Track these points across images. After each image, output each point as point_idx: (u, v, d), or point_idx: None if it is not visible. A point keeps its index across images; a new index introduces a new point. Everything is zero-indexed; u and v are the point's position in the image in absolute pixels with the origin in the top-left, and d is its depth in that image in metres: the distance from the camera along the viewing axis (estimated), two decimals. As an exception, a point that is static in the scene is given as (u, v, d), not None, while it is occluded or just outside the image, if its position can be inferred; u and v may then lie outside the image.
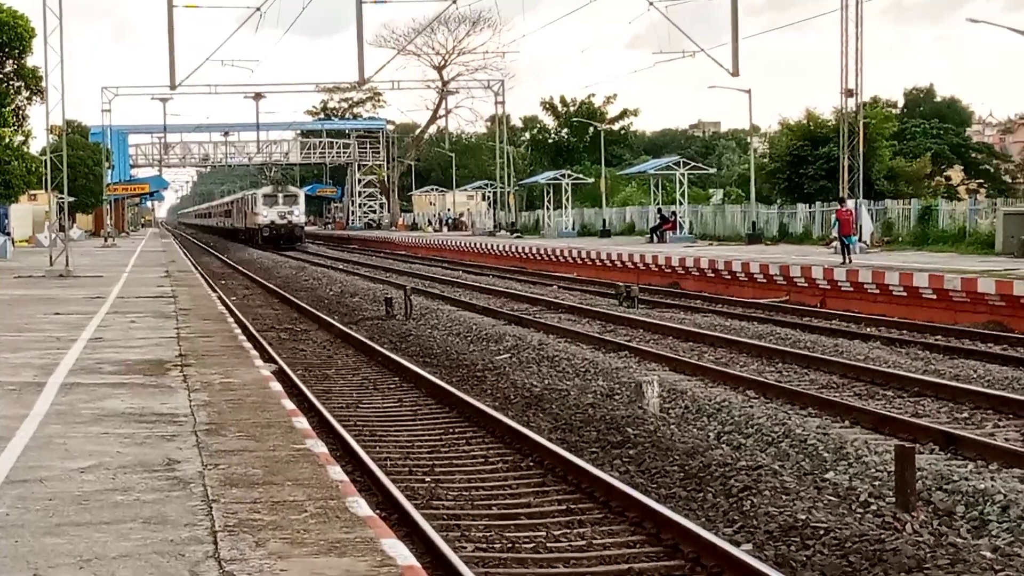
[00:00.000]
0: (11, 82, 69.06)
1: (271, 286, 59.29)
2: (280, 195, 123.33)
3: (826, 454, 17.91)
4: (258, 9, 64.00)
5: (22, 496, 11.44)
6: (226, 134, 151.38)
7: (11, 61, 68.33)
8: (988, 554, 13.19)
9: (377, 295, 49.10)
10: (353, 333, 35.90)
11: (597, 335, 34.04)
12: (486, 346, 32.32)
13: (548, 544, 14.16)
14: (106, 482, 12.02)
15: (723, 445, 19.02)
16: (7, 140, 69.10)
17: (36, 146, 77.50)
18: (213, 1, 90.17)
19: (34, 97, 69.63)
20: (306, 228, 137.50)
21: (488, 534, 14.57)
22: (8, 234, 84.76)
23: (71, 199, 77.86)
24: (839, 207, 57.48)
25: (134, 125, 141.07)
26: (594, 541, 14.20)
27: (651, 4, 63.74)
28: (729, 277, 53.21)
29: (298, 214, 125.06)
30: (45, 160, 68.21)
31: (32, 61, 67.58)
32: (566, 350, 30.49)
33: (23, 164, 68.60)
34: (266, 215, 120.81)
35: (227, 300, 43.85)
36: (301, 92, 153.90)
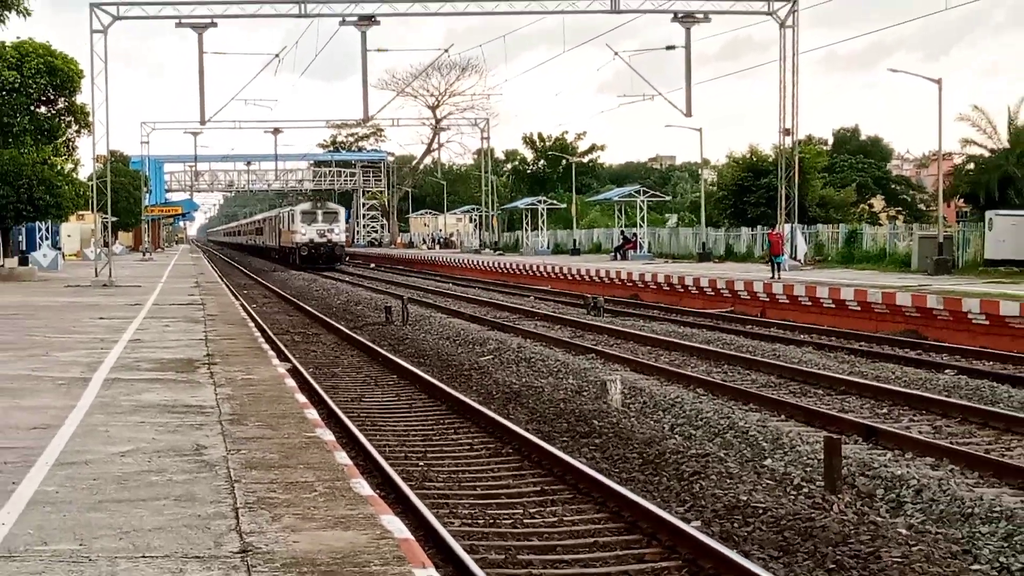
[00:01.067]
0: (63, 117, 68.95)
1: (287, 296, 59.22)
2: (319, 211, 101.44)
3: (765, 444, 17.95)
4: (277, 56, 64.27)
5: (70, 476, 11.42)
6: (248, 164, 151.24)
7: (63, 99, 68.17)
8: (903, 531, 13.24)
9: (378, 304, 49.07)
10: (357, 337, 35.86)
11: (568, 340, 34.06)
12: (472, 348, 32.32)
13: (524, 520, 14.20)
14: (143, 464, 12.01)
15: (676, 435, 19.04)
16: (59, 167, 68.95)
17: (84, 172, 77.46)
18: (238, 48, 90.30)
19: (82, 130, 69.56)
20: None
21: (472, 511, 14.61)
22: (59, 249, 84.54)
23: (114, 219, 77.65)
24: (771, 230, 58.19)
25: (169, 155, 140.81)
26: (564, 518, 14.25)
27: (616, 54, 64.18)
28: (682, 290, 53.24)
29: (338, 232, 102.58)
30: (92, 185, 68.25)
31: (80, 99, 67.63)
32: (541, 353, 30.52)
33: (72, 188, 68.39)
34: (304, 233, 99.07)
35: (248, 308, 43.80)
36: (314, 128, 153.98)
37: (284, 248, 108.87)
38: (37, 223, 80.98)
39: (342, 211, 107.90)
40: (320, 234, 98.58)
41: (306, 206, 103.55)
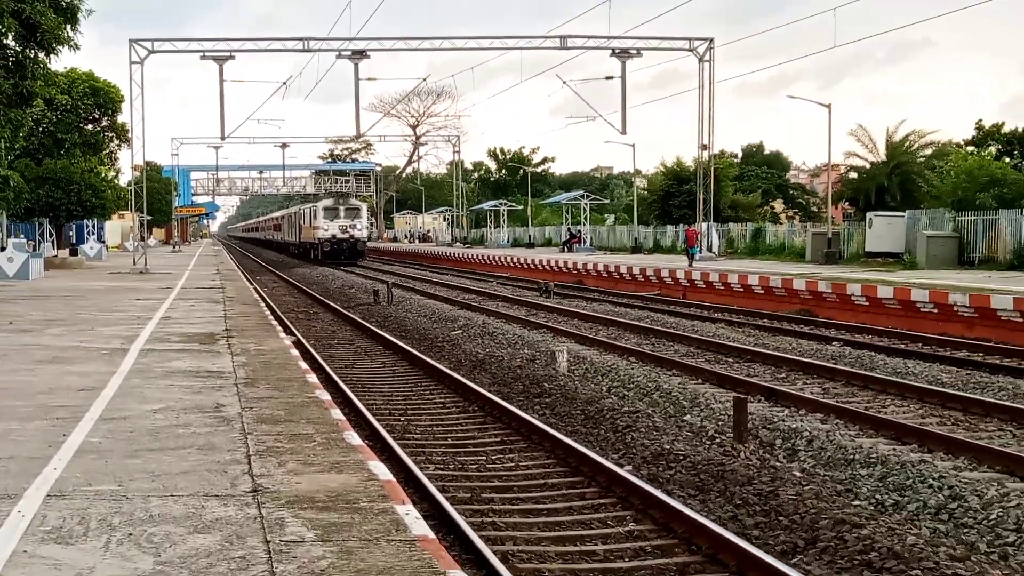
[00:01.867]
0: (106, 133, 69.19)
1: (292, 281, 59.02)
2: (342, 208, 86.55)
3: (685, 402, 17.98)
4: (284, 83, 64.22)
5: (111, 429, 11.38)
6: (260, 172, 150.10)
7: (106, 118, 68.37)
8: (798, 473, 13.34)
9: (367, 288, 48.96)
10: (350, 315, 35.75)
11: (523, 317, 34.01)
12: (445, 324, 32.26)
13: (487, 465, 14.23)
14: (171, 420, 11.97)
15: (612, 396, 19.08)
16: (103, 175, 68.78)
17: (123, 179, 77.18)
18: (252, 76, 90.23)
19: (122, 144, 70.00)
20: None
21: (444, 458, 14.63)
22: (103, 242, 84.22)
23: (148, 217, 77.28)
24: (688, 227, 59.09)
25: (194, 165, 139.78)
26: (520, 463, 14.28)
27: (564, 83, 64.31)
28: (618, 277, 53.28)
29: (360, 228, 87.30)
30: (130, 189, 68.06)
31: (121, 118, 67.73)
32: (501, 328, 30.49)
33: (114, 192, 68.35)
34: (327, 229, 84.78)
35: (260, 291, 43.62)
36: (315, 143, 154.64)
37: (305, 243, 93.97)
38: (85, 221, 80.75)
39: (364, 207, 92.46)
40: (343, 230, 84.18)
41: (328, 202, 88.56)
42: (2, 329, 23.03)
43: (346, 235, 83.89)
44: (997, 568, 9.76)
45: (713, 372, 21.30)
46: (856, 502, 12.07)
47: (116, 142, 71.01)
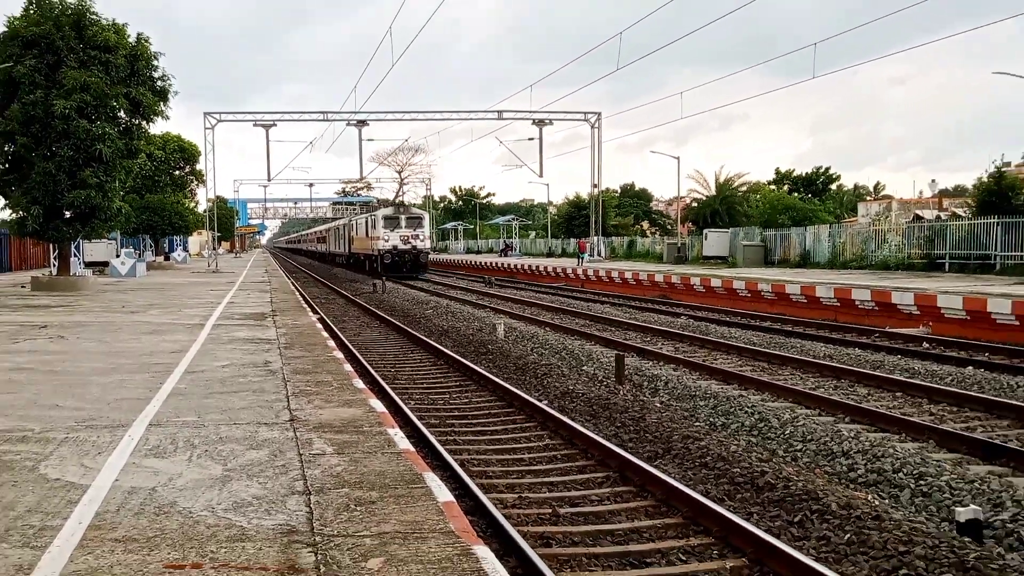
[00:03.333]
0: (188, 176, 68.91)
1: (317, 277, 58.55)
2: (403, 216, 56.13)
3: (583, 357, 18.05)
4: (311, 143, 64.85)
5: (192, 379, 11.29)
6: (294, 203, 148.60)
7: (188, 166, 68.01)
8: (658, 404, 13.41)
9: (368, 282, 48.70)
10: (357, 300, 35.55)
11: (474, 301, 33.99)
12: (421, 306, 32.13)
13: (449, 401, 14.21)
14: (234, 372, 11.89)
15: (534, 354, 19.10)
16: (186, 205, 68.28)
17: (200, 207, 76.55)
18: (289, 137, 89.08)
19: (199, 184, 69.65)
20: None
21: (420, 396, 14.59)
22: (187, 251, 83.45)
23: (218, 234, 76.51)
24: (579, 240, 59.71)
25: (249, 197, 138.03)
26: (473, 399, 14.27)
27: (500, 142, 63.74)
28: (537, 273, 53.38)
29: (423, 238, 56.33)
30: (206, 215, 67.47)
31: (198, 166, 67.44)
32: (460, 308, 30.41)
33: (194, 217, 67.66)
34: (387, 239, 55.02)
35: (295, 284, 43.31)
36: (331, 183, 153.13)
37: (358, 255, 63.11)
38: (174, 236, 79.80)
39: (426, 216, 59.46)
40: (404, 240, 54.29)
41: (388, 211, 56.83)
42: (118, 311, 22.77)
43: (408, 246, 54.43)
44: (790, 467, 9.90)
45: (601, 337, 21.41)
46: (696, 423, 12.19)
47: (195, 182, 70.80)
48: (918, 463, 9.81)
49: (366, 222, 59.76)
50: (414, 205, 52.41)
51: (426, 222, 53.60)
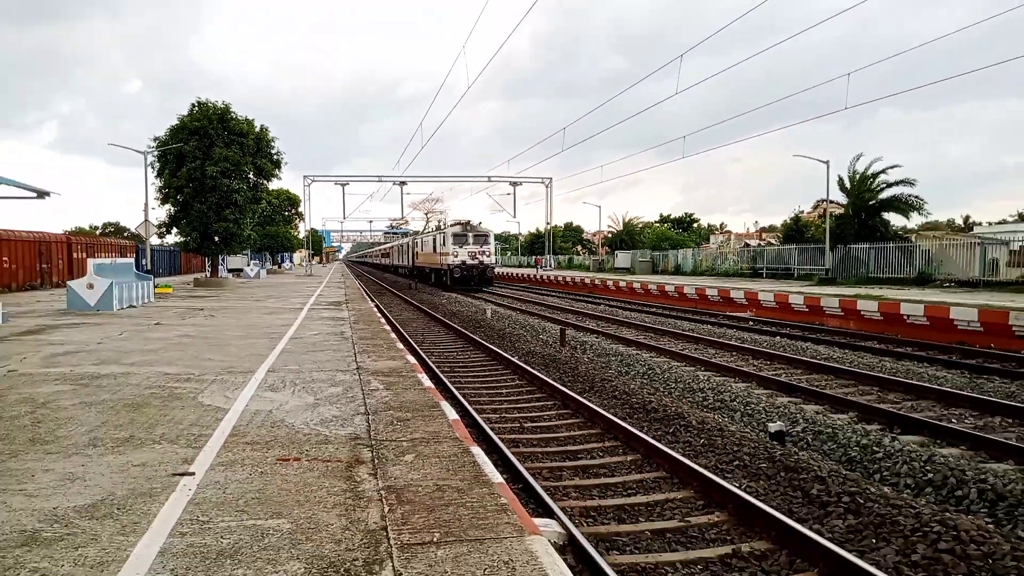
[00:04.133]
0: (293, 216, 67.97)
1: (373, 279, 58.07)
2: (471, 234, 37.24)
3: (540, 330, 17.89)
4: (370, 195, 64.18)
5: (296, 342, 11.17)
6: (360, 233, 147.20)
7: (293, 209, 67.01)
8: (586, 359, 13.31)
9: (406, 284, 48.31)
10: (400, 295, 35.17)
11: (469, 297, 33.82)
12: (440, 300, 31.88)
13: (456, 356, 13.99)
14: (322, 339, 11.78)
15: (509, 329, 18.95)
16: (293, 234, 67.45)
17: (301, 234, 75.62)
18: (358, 191, 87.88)
19: (301, 219, 68.69)
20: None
21: (440, 354, 14.40)
22: (292, 262, 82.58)
23: (312, 252, 75.80)
24: (537, 256, 59.31)
25: (331, 229, 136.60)
26: (471, 356, 14.07)
27: (490, 196, 63.61)
28: (510, 277, 53.14)
29: (489, 254, 37.33)
30: (304, 240, 66.69)
31: (300, 209, 66.47)
32: (460, 299, 30.26)
33: (297, 242, 66.96)
34: (456, 255, 36.87)
35: (359, 283, 42.93)
36: (382, 220, 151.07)
37: (422, 268, 46.51)
38: (285, 253, 79.08)
39: (492, 234, 39.35)
40: (472, 256, 37.54)
41: (456, 229, 38.46)
42: (248, 300, 22.50)
43: (475, 261, 37.75)
44: (667, 399, 9.94)
45: (551, 317, 21.25)
46: (608, 371, 12.19)
47: (298, 219, 69.87)
48: (745, 396, 9.89)
49: (434, 240, 43.03)
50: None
51: (491, 240, 38.55)
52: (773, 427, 8.05)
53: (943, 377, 11.17)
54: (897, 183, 31.23)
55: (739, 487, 6.28)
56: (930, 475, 6.60)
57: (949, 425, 8.10)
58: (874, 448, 7.40)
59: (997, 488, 6.13)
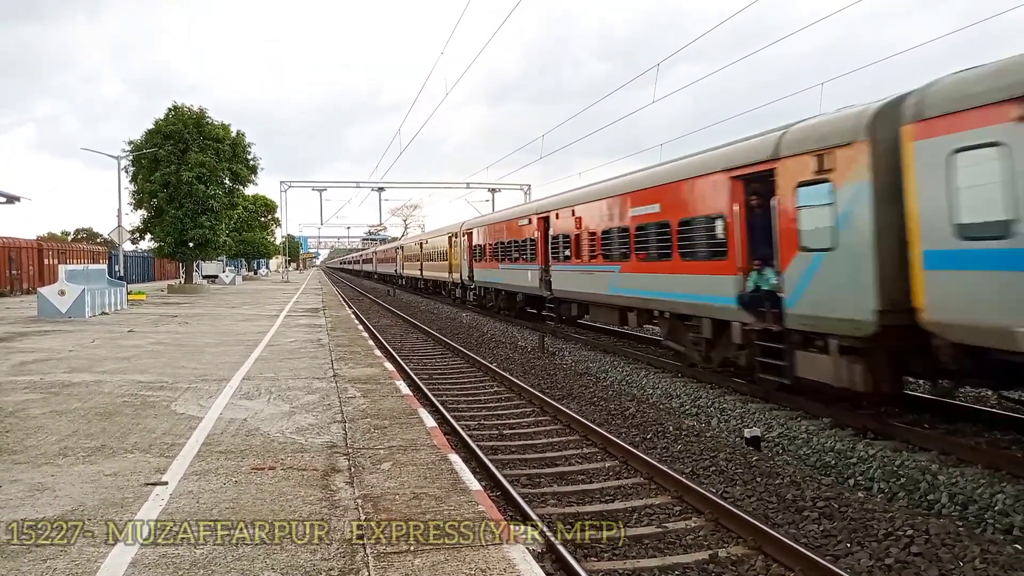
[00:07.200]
0: (269, 221, 67.49)
1: (351, 286, 57.64)
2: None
3: (518, 337, 17.94)
4: (349, 200, 62.89)
5: (271, 350, 11.08)
6: (338, 239, 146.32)
7: (269, 215, 66.46)
8: (564, 365, 13.43)
9: (384, 290, 48.07)
10: (379, 301, 35.03)
11: (451, 304, 33.76)
12: (418, 306, 31.82)
13: (436, 362, 14.02)
14: (298, 347, 11.70)
15: (489, 333, 18.97)
16: (268, 239, 66.89)
17: (278, 240, 75.06)
18: (335, 198, 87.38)
19: (277, 226, 68.20)
20: None
21: (418, 359, 14.36)
22: (269, 268, 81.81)
23: (289, 258, 75.23)
24: None
25: (309, 235, 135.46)
26: (451, 363, 14.03)
27: (468, 202, 63.07)
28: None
29: None
30: (281, 246, 66.17)
31: (277, 215, 66.07)
32: (442, 308, 30.17)
33: (274, 248, 66.36)
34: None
35: (337, 290, 42.65)
36: (360, 227, 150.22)
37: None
38: (261, 259, 78.32)
39: None
40: None
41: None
42: (223, 306, 22.25)
43: None
44: (644, 404, 9.99)
45: (534, 328, 21.27)
46: (587, 376, 12.24)
47: (274, 226, 69.25)
48: (721, 402, 10.01)
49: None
50: None
51: None
52: (749, 432, 8.13)
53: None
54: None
55: (715, 493, 6.34)
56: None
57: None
58: (848, 453, 7.51)
59: None
